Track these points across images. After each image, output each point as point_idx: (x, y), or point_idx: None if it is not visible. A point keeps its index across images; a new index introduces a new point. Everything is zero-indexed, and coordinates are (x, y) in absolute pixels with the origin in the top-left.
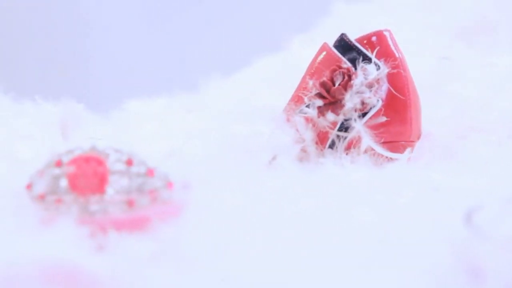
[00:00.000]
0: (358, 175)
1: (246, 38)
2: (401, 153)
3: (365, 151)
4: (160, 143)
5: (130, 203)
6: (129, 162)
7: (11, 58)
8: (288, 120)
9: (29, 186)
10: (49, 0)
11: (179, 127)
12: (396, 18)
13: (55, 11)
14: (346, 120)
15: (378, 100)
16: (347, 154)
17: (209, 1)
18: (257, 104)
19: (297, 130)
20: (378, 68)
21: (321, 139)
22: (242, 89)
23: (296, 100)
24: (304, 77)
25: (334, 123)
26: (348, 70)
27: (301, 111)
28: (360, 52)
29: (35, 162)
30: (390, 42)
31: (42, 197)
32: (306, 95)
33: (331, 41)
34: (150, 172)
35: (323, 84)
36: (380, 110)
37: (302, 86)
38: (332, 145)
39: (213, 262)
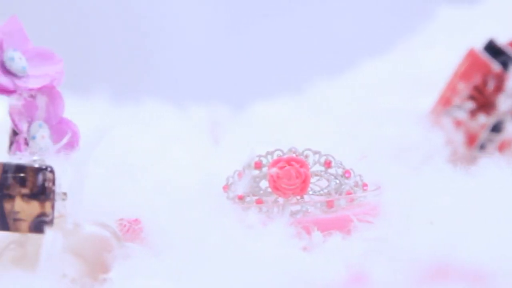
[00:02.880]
0: None
1: (348, 40)
2: None
3: None
4: (303, 144)
5: (329, 204)
6: (327, 164)
7: (149, 61)
8: (436, 122)
9: (226, 187)
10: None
11: (310, 129)
12: (504, 22)
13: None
14: (497, 122)
15: None
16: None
17: (314, 2)
18: (381, 106)
19: (446, 132)
20: None
21: (470, 141)
22: (353, 91)
23: (443, 102)
24: (451, 80)
25: (485, 125)
26: (500, 73)
27: (449, 114)
28: (510, 56)
29: (192, 166)
30: None
31: (241, 198)
32: (456, 98)
33: (438, 44)
34: (347, 173)
35: (475, 87)
36: None
37: (450, 89)
38: (482, 147)
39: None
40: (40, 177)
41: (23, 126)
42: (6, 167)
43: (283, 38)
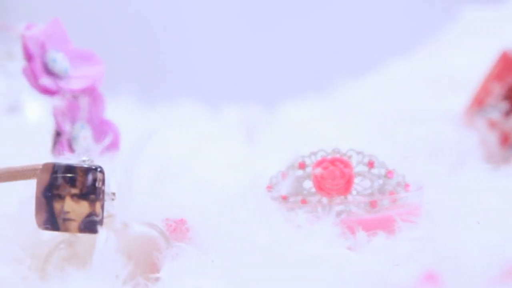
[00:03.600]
0: None
1: (377, 41)
2: None
3: None
4: (336, 144)
5: (373, 204)
6: (370, 164)
7: (180, 63)
8: (470, 123)
9: (269, 187)
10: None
11: (341, 128)
12: None
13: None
14: None
15: None
16: None
17: (344, 3)
18: (411, 106)
19: (480, 132)
20: None
21: (504, 141)
22: (382, 91)
23: (477, 103)
24: (485, 82)
25: None
26: None
27: (483, 114)
28: None
29: (230, 166)
30: None
31: (285, 198)
32: (489, 99)
33: (465, 45)
34: (389, 174)
35: (509, 88)
36: None
37: (484, 90)
38: None
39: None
40: (90, 177)
41: (66, 127)
42: (56, 168)
43: (311, 39)
